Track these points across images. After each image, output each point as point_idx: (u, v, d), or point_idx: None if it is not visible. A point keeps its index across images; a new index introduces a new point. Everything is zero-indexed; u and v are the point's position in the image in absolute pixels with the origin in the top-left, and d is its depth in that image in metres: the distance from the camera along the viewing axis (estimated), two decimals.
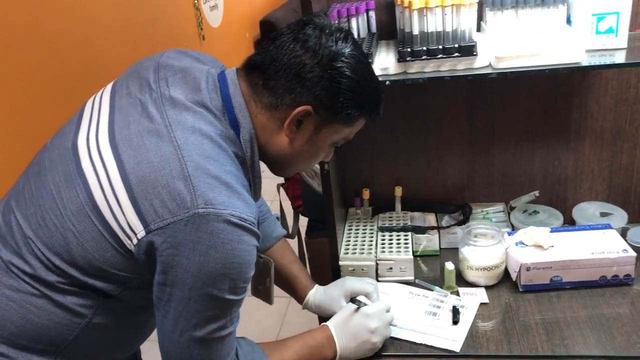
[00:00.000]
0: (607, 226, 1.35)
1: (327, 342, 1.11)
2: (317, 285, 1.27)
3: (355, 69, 0.92)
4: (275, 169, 1.02)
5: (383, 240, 1.42)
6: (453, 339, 1.17)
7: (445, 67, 1.17)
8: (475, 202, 1.53)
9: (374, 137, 1.49)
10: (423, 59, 1.16)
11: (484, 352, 1.14)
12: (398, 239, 1.42)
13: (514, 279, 1.30)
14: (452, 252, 1.43)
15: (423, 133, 1.48)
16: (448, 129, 1.46)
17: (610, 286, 1.27)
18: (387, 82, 1.16)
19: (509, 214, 1.50)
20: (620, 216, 1.42)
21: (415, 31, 1.15)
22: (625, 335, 1.14)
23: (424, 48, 1.16)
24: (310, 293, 1.26)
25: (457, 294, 1.30)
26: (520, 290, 1.29)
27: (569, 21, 1.21)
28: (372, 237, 1.44)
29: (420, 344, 1.17)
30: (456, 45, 1.15)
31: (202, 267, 0.83)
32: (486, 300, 1.28)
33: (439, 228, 1.46)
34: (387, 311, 1.16)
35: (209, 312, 0.87)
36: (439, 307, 1.27)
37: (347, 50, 0.91)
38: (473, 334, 1.18)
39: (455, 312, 1.23)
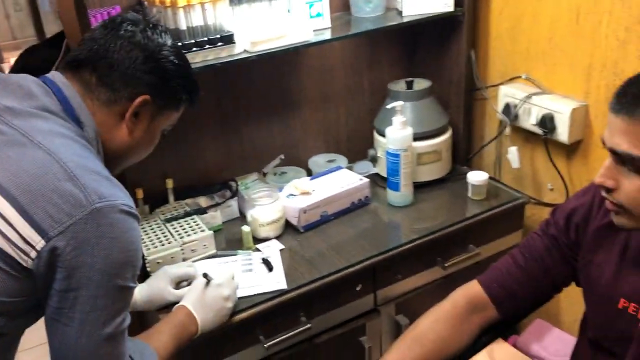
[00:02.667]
0: (339, 167, 1.75)
1: (189, 319, 1.18)
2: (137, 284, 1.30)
3: (179, 57, 1.03)
4: (112, 165, 1.04)
5: (175, 228, 1.51)
6: (277, 281, 1.38)
7: (211, 56, 1.35)
8: (235, 177, 1.73)
9: None
10: (193, 51, 1.31)
11: (304, 280, 1.39)
12: (188, 224, 1.53)
13: (295, 224, 1.58)
14: (233, 222, 1.63)
15: (179, 123, 1.61)
16: (201, 115, 1.62)
17: (358, 208, 1.67)
18: None
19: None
20: (342, 160, 1.84)
21: (183, 27, 1.29)
22: (383, 235, 1.55)
23: (193, 41, 1.31)
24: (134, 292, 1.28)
25: (258, 250, 1.51)
26: (302, 230, 1.57)
27: (289, 12, 1.53)
28: (162, 229, 1.51)
29: (254, 295, 1.34)
30: (219, 36, 1.34)
31: (107, 260, 0.84)
32: (282, 246, 1.52)
33: (217, 205, 1.63)
34: (233, 278, 1.30)
35: (116, 305, 0.88)
36: (250, 264, 1.45)
37: (169, 42, 1.02)
38: (287, 273, 1.41)
39: (266, 262, 1.44)
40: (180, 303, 1.21)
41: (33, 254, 0.79)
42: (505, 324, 1.20)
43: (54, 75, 0.96)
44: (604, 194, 0.90)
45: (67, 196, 0.81)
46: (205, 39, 1.32)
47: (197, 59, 1.33)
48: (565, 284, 1.12)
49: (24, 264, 0.80)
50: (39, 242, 0.79)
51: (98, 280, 0.84)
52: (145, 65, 0.98)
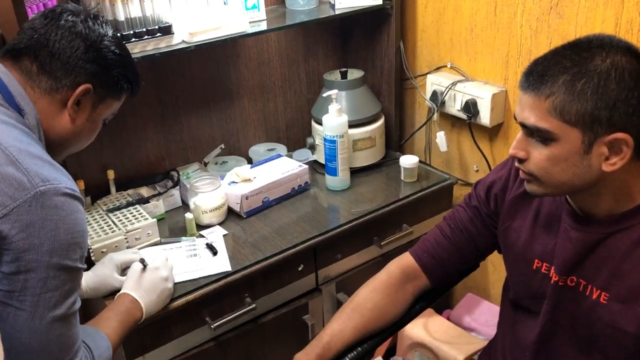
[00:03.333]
0: (279, 155, 1.81)
1: (132, 305, 1.21)
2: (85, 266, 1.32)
3: (120, 47, 1.06)
4: (54, 152, 1.06)
5: (118, 218, 1.53)
6: (222, 264, 1.43)
7: (150, 46, 1.38)
8: (176, 167, 1.76)
9: None
10: (132, 42, 1.34)
11: (249, 262, 1.44)
12: (131, 213, 1.55)
13: (237, 210, 1.63)
14: (176, 211, 1.66)
15: (119, 115, 1.62)
16: (141, 106, 1.64)
17: (299, 194, 1.73)
18: None
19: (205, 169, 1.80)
20: (281, 149, 1.90)
21: (121, 18, 1.32)
22: (323, 217, 1.63)
23: (131, 32, 1.33)
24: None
25: (202, 236, 1.55)
26: (245, 216, 1.62)
27: (225, 4, 1.57)
28: (105, 219, 1.52)
29: (200, 278, 1.39)
30: (157, 27, 1.37)
31: (54, 242, 0.87)
32: (225, 232, 1.57)
33: (159, 194, 1.65)
34: (167, 260, 1.33)
35: (66, 286, 0.91)
36: (195, 249, 1.49)
37: (110, 32, 1.05)
38: (232, 256, 1.46)
39: (210, 247, 1.48)
40: (122, 291, 1.24)
41: None
42: (437, 292, 1.29)
43: None
44: (517, 164, 1.00)
45: (11, 180, 0.83)
46: (144, 29, 1.35)
47: (135, 49, 1.35)
48: (488, 250, 1.23)
49: None
50: None
51: (47, 262, 0.86)
52: (87, 55, 1.00)
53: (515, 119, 0.97)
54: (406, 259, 1.26)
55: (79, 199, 0.93)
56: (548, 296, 1.06)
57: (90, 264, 1.39)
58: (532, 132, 0.94)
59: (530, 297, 1.12)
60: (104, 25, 1.04)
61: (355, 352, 1.19)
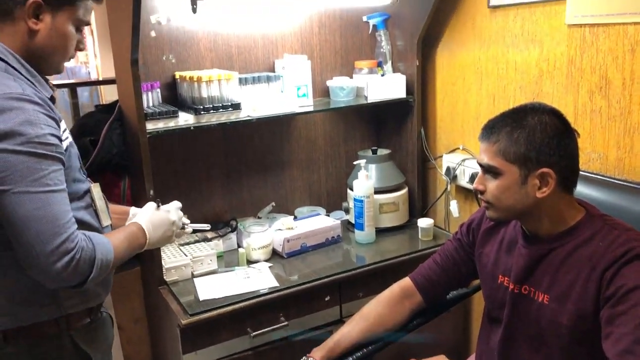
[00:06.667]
0: (318, 214, 2.21)
1: (140, 232, 1.38)
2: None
3: None
4: (39, 62, 1.22)
5: (187, 250, 1.95)
6: (269, 282, 1.81)
7: (223, 117, 1.87)
8: (235, 218, 2.19)
9: (161, 180, 2.03)
10: (210, 112, 1.84)
11: (292, 283, 1.81)
12: (197, 247, 1.97)
13: (280, 251, 2.01)
14: (232, 252, 2.07)
15: (196, 172, 2.10)
16: (213, 167, 2.12)
17: (331, 244, 2.11)
18: (191, 128, 1.79)
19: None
20: (321, 211, 2.31)
21: (204, 95, 1.83)
22: (349, 261, 1.98)
23: (211, 106, 1.83)
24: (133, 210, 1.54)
25: (251, 267, 1.94)
26: (285, 256, 2.00)
27: (282, 92, 2.07)
28: (177, 250, 1.95)
29: (252, 291, 1.76)
30: (229, 103, 1.87)
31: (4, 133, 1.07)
32: (269, 264, 1.95)
33: (220, 236, 2.07)
34: (179, 209, 1.54)
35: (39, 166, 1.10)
36: (247, 274, 1.87)
37: None
38: (277, 280, 1.83)
39: (258, 271, 1.87)
40: (133, 220, 1.41)
41: None
42: (432, 312, 1.59)
43: None
44: (479, 196, 1.36)
45: None
46: (220, 105, 1.85)
47: (213, 119, 1.84)
48: (470, 274, 1.54)
49: None
50: None
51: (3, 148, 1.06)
52: None
53: (477, 162, 1.35)
54: (405, 281, 1.58)
55: (23, 99, 1.10)
56: (507, 303, 1.36)
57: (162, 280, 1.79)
58: (486, 170, 1.31)
59: (497, 308, 1.41)
60: None
61: (360, 353, 1.50)
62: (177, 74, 1.95)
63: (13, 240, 1.10)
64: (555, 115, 1.28)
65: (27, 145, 1.08)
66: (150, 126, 1.74)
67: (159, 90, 1.92)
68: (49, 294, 1.23)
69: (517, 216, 1.34)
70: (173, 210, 1.50)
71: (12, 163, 1.07)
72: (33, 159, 1.09)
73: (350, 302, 1.93)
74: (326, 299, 1.88)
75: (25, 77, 1.18)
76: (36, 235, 1.08)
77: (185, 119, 1.81)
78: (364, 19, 2.28)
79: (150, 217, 1.42)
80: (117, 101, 1.97)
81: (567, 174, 1.26)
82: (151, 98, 1.89)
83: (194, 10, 1.68)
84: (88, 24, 1.29)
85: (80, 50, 1.33)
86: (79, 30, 1.28)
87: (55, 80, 2.84)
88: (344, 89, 2.19)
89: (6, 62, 1.16)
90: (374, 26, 2.27)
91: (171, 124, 1.79)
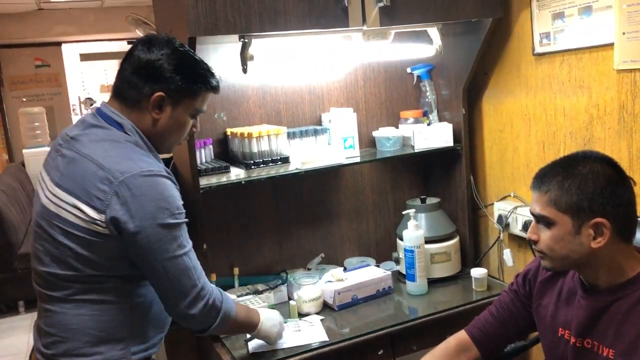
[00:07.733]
0: (368, 264, 2.20)
1: (256, 314, 1.66)
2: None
3: (178, 59, 1.37)
4: (157, 144, 1.42)
5: (242, 301, 1.97)
6: (320, 336, 1.80)
7: (273, 170, 1.91)
8: (285, 269, 2.21)
9: (213, 234, 2.07)
10: (261, 167, 1.88)
11: (345, 336, 1.80)
12: (249, 301, 1.98)
13: (331, 304, 2.00)
14: (283, 304, 2.07)
15: (246, 225, 2.14)
16: (263, 219, 2.15)
17: (382, 296, 2.08)
18: (242, 182, 1.84)
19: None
20: (371, 261, 2.30)
21: (255, 150, 1.88)
22: (401, 313, 1.95)
23: (261, 160, 1.88)
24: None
25: (303, 320, 1.93)
26: (337, 309, 1.99)
27: (329, 144, 2.11)
28: None
29: (303, 345, 1.76)
30: (279, 157, 1.91)
31: (144, 211, 1.31)
32: (321, 317, 1.94)
33: (270, 289, 2.08)
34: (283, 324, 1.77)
35: (172, 235, 1.36)
36: (298, 327, 1.87)
37: (165, 51, 1.36)
38: (329, 334, 1.82)
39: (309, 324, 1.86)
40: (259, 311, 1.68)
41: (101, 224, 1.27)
42: None
43: (101, 104, 1.42)
44: (533, 246, 1.33)
45: (101, 179, 1.27)
46: (269, 159, 1.90)
47: (263, 172, 1.89)
48: (527, 326, 1.49)
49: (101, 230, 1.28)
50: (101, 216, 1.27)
51: (150, 225, 1.29)
52: (149, 74, 1.36)
53: (530, 211, 1.33)
54: (461, 334, 1.55)
55: (161, 175, 1.31)
56: (569, 357, 1.31)
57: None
58: (539, 220, 1.29)
59: None
60: (158, 46, 1.37)
61: None
62: (229, 130, 2.02)
63: (158, 293, 1.38)
64: (608, 164, 1.26)
65: (172, 217, 1.31)
66: (204, 182, 1.80)
67: (211, 146, 1.99)
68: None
69: (573, 266, 1.30)
70: (279, 321, 1.73)
71: (163, 234, 1.30)
72: (176, 228, 1.33)
73: (403, 355, 1.89)
74: (379, 353, 1.85)
75: (149, 152, 1.38)
76: (180, 291, 1.36)
77: (236, 173, 1.87)
78: (408, 70, 2.32)
79: (264, 310, 1.71)
80: (171, 157, 2.04)
81: (623, 223, 1.23)
82: (204, 154, 1.95)
83: (245, 71, 1.75)
84: (204, 112, 1.47)
85: (193, 133, 1.55)
86: (194, 117, 1.45)
87: None
88: (390, 139, 2.21)
89: (139, 136, 1.37)
90: (419, 77, 2.30)
91: (223, 179, 1.85)
